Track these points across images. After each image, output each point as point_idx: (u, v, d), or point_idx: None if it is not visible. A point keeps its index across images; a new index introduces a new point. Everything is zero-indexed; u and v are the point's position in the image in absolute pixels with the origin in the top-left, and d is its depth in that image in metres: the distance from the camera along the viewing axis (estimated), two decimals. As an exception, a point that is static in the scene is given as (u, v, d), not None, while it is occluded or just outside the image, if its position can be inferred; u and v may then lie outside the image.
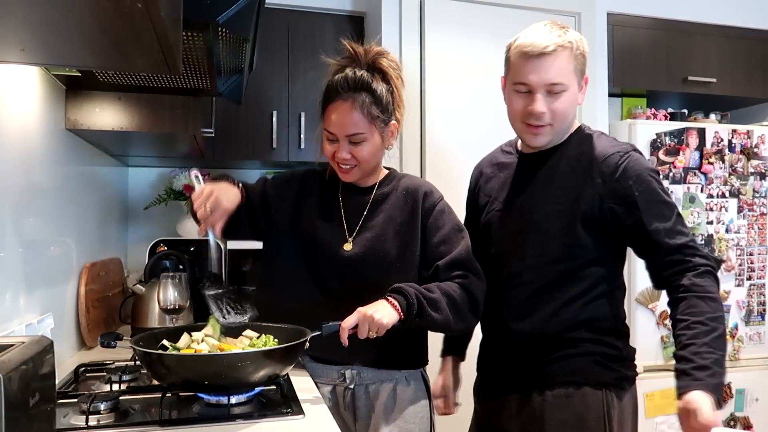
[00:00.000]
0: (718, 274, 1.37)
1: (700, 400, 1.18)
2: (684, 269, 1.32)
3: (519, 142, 1.53)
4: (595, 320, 1.38)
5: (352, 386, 1.47)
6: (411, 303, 1.32)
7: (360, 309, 1.29)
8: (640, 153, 1.41)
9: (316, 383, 1.45)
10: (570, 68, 1.35)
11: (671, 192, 2.54)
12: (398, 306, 1.31)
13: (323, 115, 1.47)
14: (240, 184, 1.50)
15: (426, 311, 1.34)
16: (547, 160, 1.44)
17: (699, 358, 1.24)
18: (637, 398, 1.45)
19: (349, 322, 1.28)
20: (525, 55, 1.34)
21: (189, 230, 2.55)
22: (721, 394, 1.21)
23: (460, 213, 1.60)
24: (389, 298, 1.33)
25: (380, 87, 1.44)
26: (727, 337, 2.66)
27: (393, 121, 1.49)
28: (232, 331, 1.39)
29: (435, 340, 1.60)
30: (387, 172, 1.58)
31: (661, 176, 2.53)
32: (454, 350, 1.70)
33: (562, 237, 1.37)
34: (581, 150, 1.40)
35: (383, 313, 1.28)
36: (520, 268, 1.41)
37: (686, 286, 1.30)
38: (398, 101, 1.49)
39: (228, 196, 1.40)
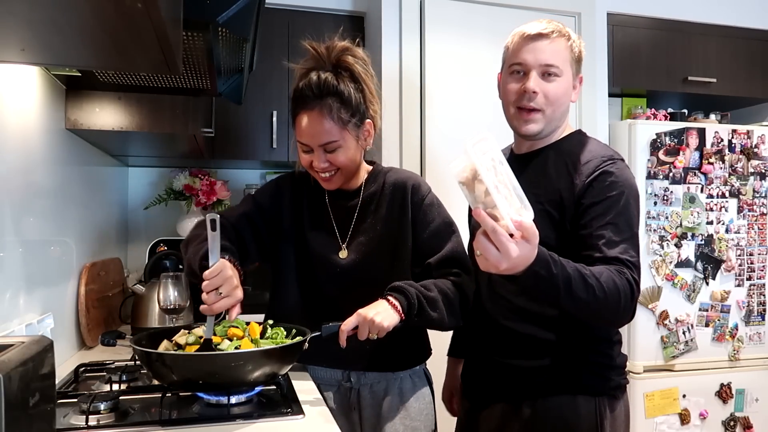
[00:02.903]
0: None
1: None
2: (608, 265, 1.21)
3: (513, 144, 1.52)
4: (588, 327, 1.34)
5: (357, 387, 1.47)
6: (412, 303, 1.31)
7: (360, 311, 1.28)
8: (627, 165, 1.37)
9: (319, 386, 1.45)
10: (566, 56, 1.37)
11: (671, 192, 2.58)
12: (399, 307, 1.30)
13: (294, 125, 1.42)
14: (237, 263, 1.32)
15: (425, 311, 1.33)
16: (536, 158, 1.41)
17: (560, 265, 1.12)
18: (629, 407, 1.41)
19: (348, 324, 1.27)
20: (523, 36, 1.38)
21: (189, 230, 2.54)
22: (540, 268, 1.07)
23: (459, 213, 1.61)
24: (389, 297, 1.31)
25: (347, 88, 1.37)
26: (726, 337, 2.67)
27: (367, 120, 1.43)
28: None
29: (434, 334, 1.60)
30: (370, 168, 1.54)
31: (653, 183, 2.56)
32: (455, 351, 1.70)
33: (547, 238, 1.29)
34: (571, 151, 1.38)
35: (384, 315, 1.27)
36: None
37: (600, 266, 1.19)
38: (370, 98, 1.42)
39: (236, 282, 1.26)
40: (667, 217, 2.59)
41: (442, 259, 1.43)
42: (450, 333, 1.67)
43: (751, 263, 2.73)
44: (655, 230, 2.57)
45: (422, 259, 1.45)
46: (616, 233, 1.25)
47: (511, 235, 1.00)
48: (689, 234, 2.62)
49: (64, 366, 1.59)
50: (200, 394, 1.28)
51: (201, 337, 1.32)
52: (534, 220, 1.02)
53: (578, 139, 1.43)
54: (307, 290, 1.49)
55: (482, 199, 1.01)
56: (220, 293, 1.21)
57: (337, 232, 1.48)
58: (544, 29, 1.36)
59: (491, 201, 0.99)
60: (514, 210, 1.01)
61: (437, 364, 1.73)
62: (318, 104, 1.35)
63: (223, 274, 1.21)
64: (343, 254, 1.46)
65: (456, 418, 1.66)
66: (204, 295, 1.21)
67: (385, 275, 1.42)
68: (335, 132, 1.36)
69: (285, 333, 1.37)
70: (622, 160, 1.36)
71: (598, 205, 1.27)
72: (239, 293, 1.25)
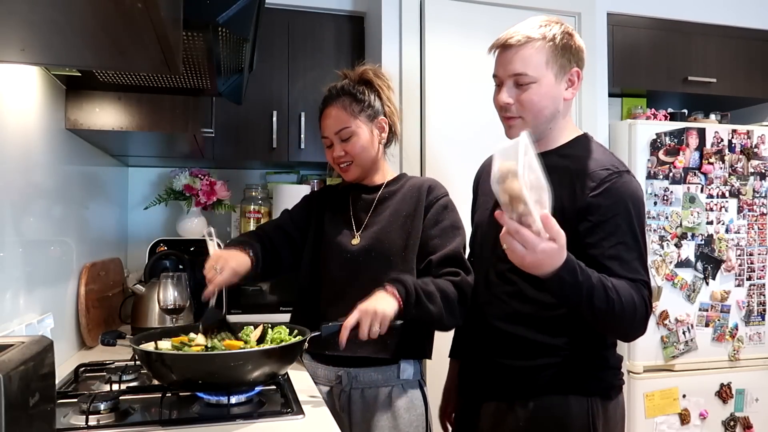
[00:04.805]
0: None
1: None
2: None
3: None
4: (580, 329, 1.32)
5: (348, 389, 1.48)
6: (410, 292, 1.34)
7: (360, 306, 1.29)
8: (633, 176, 1.35)
9: (315, 383, 1.46)
10: (538, 60, 1.33)
11: (671, 192, 2.58)
12: (397, 294, 1.32)
13: (320, 128, 1.60)
14: (251, 252, 1.49)
15: (423, 302, 1.35)
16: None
17: (586, 273, 1.17)
18: (624, 407, 1.40)
19: (350, 320, 1.28)
20: (494, 48, 1.39)
21: (189, 230, 2.55)
22: (566, 274, 1.14)
23: (459, 211, 1.61)
24: (387, 287, 1.34)
25: (361, 89, 1.57)
26: (726, 337, 2.67)
27: (381, 117, 1.58)
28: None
29: (437, 342, 1.60)
30: (397, 175, 1.65)
31: (646, 199, 2.53)
32: (457, 353, 1.69)
33: None
34: (575, 158, 1.36)
35: (383, 303, 1.30)
36: (503, 269, 1.37)
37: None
38: (386, 101, 1.60)
39: (237, 260, 1.43)
40: (667, 217, 2.59)
41: (444, 257, 1.46)
42: (450, 335, 1.67)
43: (751, 263, 2.73)
44: (655, 230, 2.57)
45: (425, 255, 1.48)
46: (627, 252, 1.26)
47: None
48: (689, 234, 2.62)
49: (64, 366, 1.59)
50: (200, 394, 1.28)
51: (183, 343, 1.33)
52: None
53: (583, 145, 1.40)
54: (318, 276, 1.55)
55: (518, 201, 1.05)
56: (217, 270, 1.38)
57: (353, 222, 1.58)
58: (510, 38, 1.34)
59: (525, 209, 1.05)
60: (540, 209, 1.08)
61: (438, 364, 1.73)
62: (334, 101, 1.56)
63: (216, 256, 1.40)
64: (355, 241, 1.53)
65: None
66: (207, 275, 1.40)
67: (392, 264, 1.47)
68: (347, 119, 1.53)
69: (288, 332, 1.38)
70: (628, 171, 1.34)
71: (607, 224, 1.27)
72: (232, 264, 1.41)
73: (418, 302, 1.34)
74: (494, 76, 1.40)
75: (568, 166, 1.35)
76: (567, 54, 1.36)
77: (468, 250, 1.56)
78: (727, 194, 2.68)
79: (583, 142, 1.41)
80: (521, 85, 1.34)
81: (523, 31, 1.35)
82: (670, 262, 2.59)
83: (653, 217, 2.57)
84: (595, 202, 1.28)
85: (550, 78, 1.34)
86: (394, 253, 1.48)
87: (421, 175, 2.41)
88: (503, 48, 1.36)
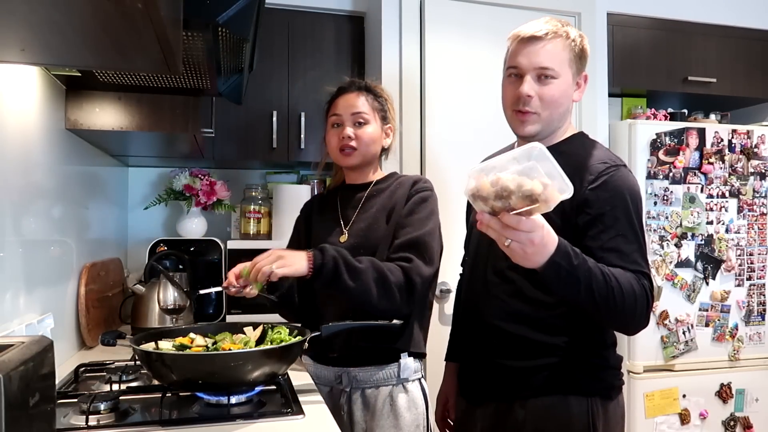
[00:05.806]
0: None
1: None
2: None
3: (516, 143, 1.52)
4: (580, 328, 1.33)
5: (348, 389, 1.49)
6: (327, 260, 1.34)
7: (276, 249, 1.36)
8: (630, 171, 1.36)
9: (314, 383, 1.47)
10: (563, 57, 1.34)
11: (671, 192, 2.58)
12: (312, 259, 1.34)
13: (329, 109, 1.62)
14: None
15: (341, 275, 1.35)
16: None
17: (581, 257, 1.16)
18: (624, 408, 1.40)
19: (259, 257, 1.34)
20: (517, 39, 1.37)
21: (189, 230, 2.55)
22: (560, 259, 1.12)
23: (458, 211, 1.61)
24: (309, 251, 1.37)
25: (378, 91, 1.63)
26: (726, 337, 2.67)
27: (389, 125, 1.64)
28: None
29: (434, 338, 1.60)
30: (387, 174, 1.65)
31: (645, 195, 2.53)
32: (453, 356, 1.69)
33: None
34: (573, 154, 1.36)
35: (294, 257, 1.33)
36: (502, 267, 1.37)
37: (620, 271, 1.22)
38: (390, 116, 1.65)
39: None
40: (667, 217, 2.59)
41: (405, 242, 1.46)
42: (446, 338, 1.68)
43: (751, 263, 2.73)
44: (655, 230, 2.57)
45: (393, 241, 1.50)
46: (626, 244, 1.26)
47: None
48: (689, 234, 2.62)
49: (64, 366, 1.59)
50: (200, 394, 1.28)
51: (184, 345, 1.33)
52: None
53: (581, 141, 1.41)
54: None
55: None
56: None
57: (341, 220, 1.59)
58: (538, 31, 1.34)
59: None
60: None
61: (437, 363, 1.73)
62: (356, 90, 1.61)
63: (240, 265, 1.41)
64: (343, 238, 1.54)
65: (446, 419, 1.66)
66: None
67: (378, 259, 1.47)
68: (367, 108, 1.58)
69: (288, 331, 1.38)
70: (625, 165, 1.35)
71: (605, 216, 1.27)
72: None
73: (336, 273, 1.34)
74: (511, 67, 1.37)
75: (566, 161, 1.34)
76: (583, 57, 1.38)
77: (457, 252, 1.56)
78: (727, 194, 2.68)
79: (580, 138, 1.43)
80: (544, 79, 1.34)
81: (547, 27, 1.34)
82: (670, 262, 2.59)
83: (653, 217, 2.57)
84: (593, 195, 1.28)
85: (569, 76, 1.36)
86: (381, 248, 1.49)
87: (421, 173, 2.41)
88: (529, 40, 1.34)
